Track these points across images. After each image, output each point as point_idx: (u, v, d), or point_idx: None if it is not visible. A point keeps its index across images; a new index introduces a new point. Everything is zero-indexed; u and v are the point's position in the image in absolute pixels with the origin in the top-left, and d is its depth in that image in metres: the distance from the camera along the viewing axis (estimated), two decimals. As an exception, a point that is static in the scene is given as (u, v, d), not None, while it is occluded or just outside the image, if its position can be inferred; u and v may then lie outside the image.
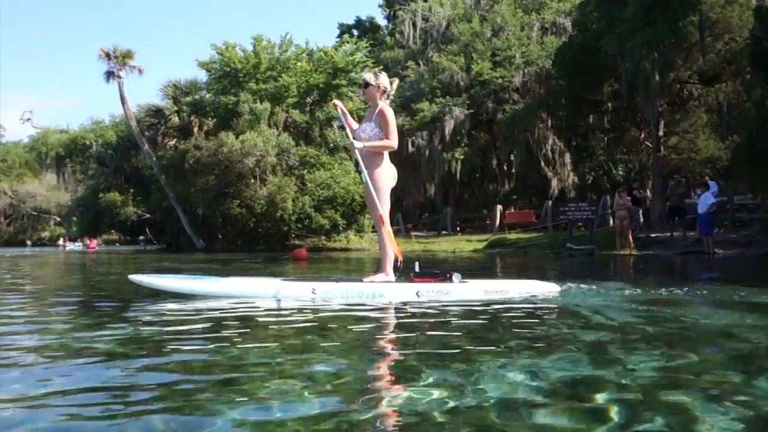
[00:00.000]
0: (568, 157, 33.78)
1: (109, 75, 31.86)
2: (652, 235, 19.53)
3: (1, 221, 73.22)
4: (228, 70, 30.98)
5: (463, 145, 35.53)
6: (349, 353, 3.04)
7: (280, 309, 4.64)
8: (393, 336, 3.64)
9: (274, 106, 29.83)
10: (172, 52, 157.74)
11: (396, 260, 5.58)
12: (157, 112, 33.58)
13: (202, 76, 33.54)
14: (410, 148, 34.59)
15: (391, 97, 5.84)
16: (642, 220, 21.15)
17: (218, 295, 5.15)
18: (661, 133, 24.41)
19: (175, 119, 32.89)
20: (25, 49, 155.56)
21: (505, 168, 37.27)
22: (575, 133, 32.33)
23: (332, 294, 5.21)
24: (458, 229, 33.01)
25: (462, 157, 35.15)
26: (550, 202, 29.60)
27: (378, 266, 5.74)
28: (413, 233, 32.14)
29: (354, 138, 5.69)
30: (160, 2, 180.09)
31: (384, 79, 5.73)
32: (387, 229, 5.58)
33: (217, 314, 4.29)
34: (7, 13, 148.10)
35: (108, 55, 31.64)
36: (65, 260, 18.31)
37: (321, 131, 31.69)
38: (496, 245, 22.93)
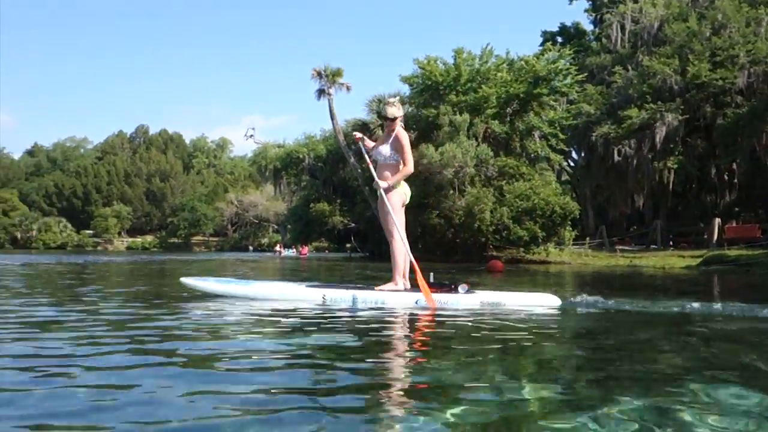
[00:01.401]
0: (803, 165, 29.94)
1: (320, 93, 34.16)
2: None
3: (229, 228, 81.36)
4: (429, 83, 31.65)
5: (676, 153, 32.97)
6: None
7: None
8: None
9: (474, 118, 29.94)
10: (377, 68, 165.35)
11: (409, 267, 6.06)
12: (363, 126, 35.30)
13: (405, 90, 34.66)
14: (616, 157, 32.86)
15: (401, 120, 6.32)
16: None
17: (251, 297, 5.86)
18: None
19: (379, 132, 34.32)
20: (251, 75, 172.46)
21: (726, 177, 33.99)
22: (813, 138, 28.59)
23: (340, 300, 5.71)
24: (671, 243, 30.67)
25: (675, 166, 32.61)
26: (780, 216, 26.45)
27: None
28: (618, 247, 30.43)
29: (372, 156, 6.38)
30: (366, 21, 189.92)
31: (399, 112, 6.30)
32: (397, 244, 6.04)
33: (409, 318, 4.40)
34: (241, 49, 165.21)
35: (319, 74, 33.94)
36: (280, 265, 19.82)
37: (521, 141, 31.22)
38: (713, 262, 20.90)
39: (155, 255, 38.15)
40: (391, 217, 6.10)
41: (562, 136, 32.49)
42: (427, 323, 4.62)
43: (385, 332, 4.17)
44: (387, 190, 6.17)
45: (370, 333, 3.98)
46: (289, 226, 51.75)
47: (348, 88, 34.20)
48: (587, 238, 33.36)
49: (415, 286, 5.96)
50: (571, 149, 39.55)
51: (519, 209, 26.67)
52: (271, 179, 51.81)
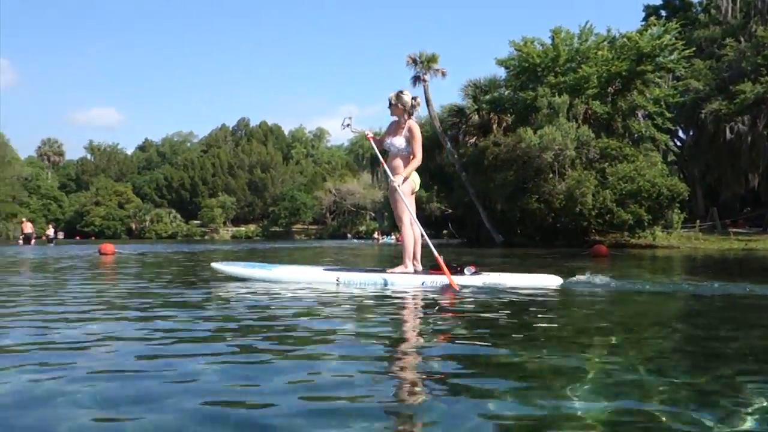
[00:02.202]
0: None
1: (416, 79, 34.22)
2: None
3: (327, 216, 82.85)
4: (526, 65, 31.07)
5: (795, 128, 30.90)
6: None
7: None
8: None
9: (573, 99, 29.19)
10: (472, 52, 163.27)
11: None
12: (459, 112, 35.15)
13: (501, 73, 34.19)
14: (728, 135, 31.17)
15: (416, 112, 6.64)
16: None
17: (276, 281, 6.29)
18: None
19: (475, 117, 34.07)
20: (346, 65, 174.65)
21: None
22: None
23: (353, 282, 6.11)
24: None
25: (794, 142, 30.59)
26: None
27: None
28: (731, 230, 28.93)
29: (385, 147, 6.64)
30: (461, 4, 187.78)
31: (406, 99, 6.50)
32: (407, 230, 6.45)
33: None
34: (336, 39, 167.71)
35: (414, 61, 34.00)
36: (378, 251, 20.14)
37: (623, 121, 30.15)
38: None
39: (258, 243, 38.72)
40: (402, 204, 6.41)
41: (668, 115, 31.14)
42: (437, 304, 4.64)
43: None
44: (394, 173, 6.47)
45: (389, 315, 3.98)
46: (386, 214, 52.29)
47: (443, 74, 34.07)
48: (697, 221, 31.88)
49: (425, 269, 6.46)
50: (678, 128, 37.81)
51: (623, 192, 25.86)
52: (368, 167, 52.49)
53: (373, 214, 75.80)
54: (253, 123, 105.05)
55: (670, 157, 38.36)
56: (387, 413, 1.89)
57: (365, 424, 1.76)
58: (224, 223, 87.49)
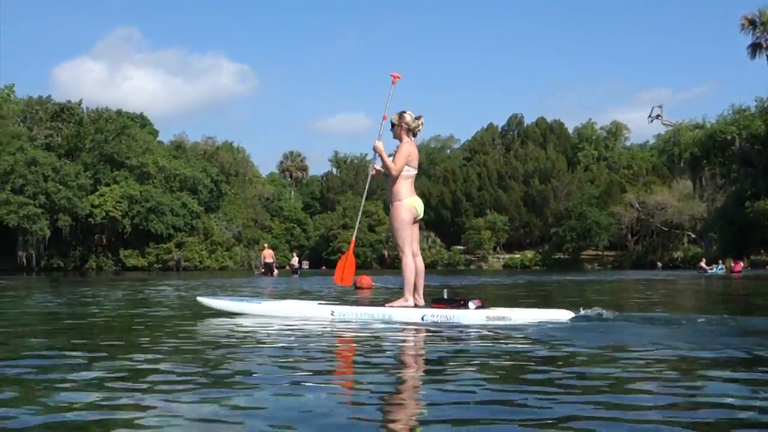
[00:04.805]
0: None
1: (754, 48, 31.77)
2: None
3: (629, 239, 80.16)
4: None
5: None
6: None
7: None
8: None
9: None
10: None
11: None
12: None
13: None
14: None
15: (418, 133, 7.85)
16: None
17: (267, 315, 7.74)
18: None
19: None
20: (650, 43, 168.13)
21: None
22: None
23: (348, 315, 7.38)
24: None
25: None
26: None
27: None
28: None
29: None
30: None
31: (408, 118, 7.69)
32: (406, 260, 7.50)
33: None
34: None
35: (752, 23, 31.60)
36: (705, 287, 18.69)
37: None
38: None
39: (537, 275, 38.67)
40: (402, 232, 7.53)
41: None
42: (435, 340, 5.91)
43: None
44: (394, 199, 7.59)
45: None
46: (713, 235, 49.13)
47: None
48: None
49: (428, 303, 7.52)
50: None
51: None
52: (686, 172, 49.97)
53: (693, 236, 72.06)
54: (528, 120, 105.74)
55: None
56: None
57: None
58: (494, 248, 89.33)
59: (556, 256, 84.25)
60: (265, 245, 41.18)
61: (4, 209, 59.90)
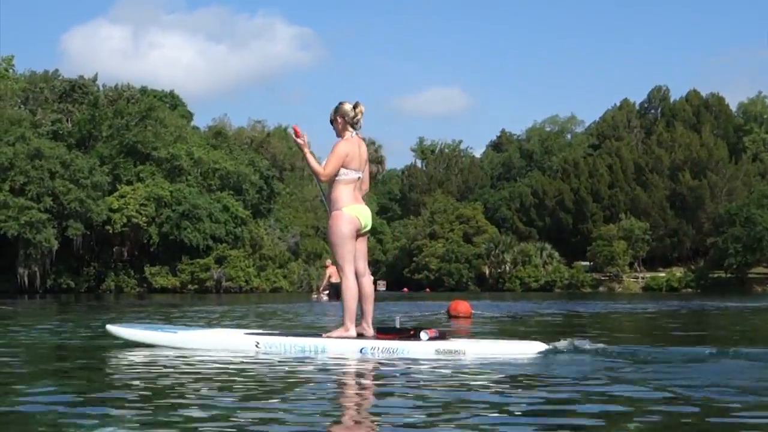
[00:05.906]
0: None
1: None
2: None
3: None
4: None
5: None
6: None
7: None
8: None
9: None
10: None
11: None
12: None
13: None
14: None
15: (359, 124, 7.63)
16: None
17: (178, 347, 7.82)
18: None
19: None
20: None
21: None
22: None
23: (276, 348, 7.53)
24: None
25: None
26: None
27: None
28: None
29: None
30: None
31: (346, 108, 7.52)
32: (348, 282, 7.48)
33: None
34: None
35: None
36: None
37: None
38: None
39: (691, 300, 35.01)
40: (342, 249, 7.34)
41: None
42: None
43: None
44: (332, 208, 7.49)
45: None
46: None
47: None
48: None
49: (377, 334, 7.54)
50: None
51: None
52: None
53: None
54: (676, 95, 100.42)
55: None
56: None
57: None
58: (631, 265, 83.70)
59: (715, 275, 79.26)
60: (328, 262, 35.92)
61: (2, 215, 56.77)
